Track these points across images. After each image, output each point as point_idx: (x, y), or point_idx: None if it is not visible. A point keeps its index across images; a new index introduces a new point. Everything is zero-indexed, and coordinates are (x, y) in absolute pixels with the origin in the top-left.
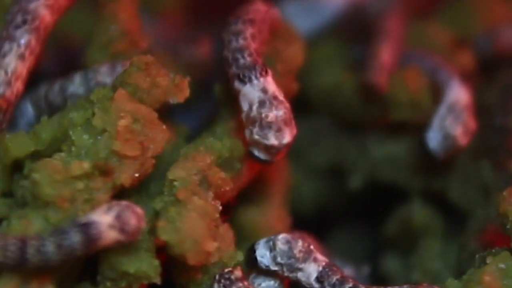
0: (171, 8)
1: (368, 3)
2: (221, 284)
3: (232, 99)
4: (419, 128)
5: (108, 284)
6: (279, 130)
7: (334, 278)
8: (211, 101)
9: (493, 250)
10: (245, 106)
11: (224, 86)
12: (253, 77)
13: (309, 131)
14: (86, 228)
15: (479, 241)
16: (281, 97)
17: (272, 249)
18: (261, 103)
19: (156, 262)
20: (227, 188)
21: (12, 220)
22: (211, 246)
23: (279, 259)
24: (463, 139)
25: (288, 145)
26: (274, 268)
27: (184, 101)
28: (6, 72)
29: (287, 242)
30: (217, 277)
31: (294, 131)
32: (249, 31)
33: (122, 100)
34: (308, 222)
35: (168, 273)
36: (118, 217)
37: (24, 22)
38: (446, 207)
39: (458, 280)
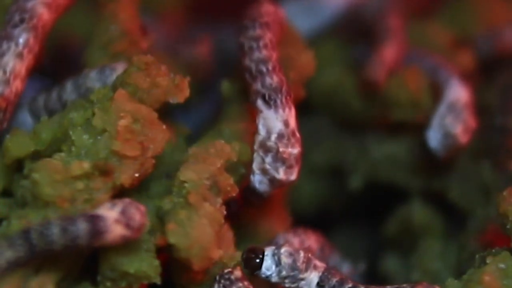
0: (171, 8)
1: (368, 3)
2: (221, 284)
3: (241, 99)
4: (419, 128)
5: (108, 284)
6: (290, 167)
7: (334, 280)
8: (211, 101)
9: (493, 250)
10: (262, 131)
11: (232, 83)
12: (278, 102)
13: (309, 131)
14: (94, 219)
15: (479, 241)
16: (297, 133)
17: (277, 263)
18: (280, 136)
19: (156, 262)
20: (234, 194)
21: (12, 220)
22: (217, 253)
23: (284, 273)
24: (463, 137)
25: (291, 183)
26: (275, 280)
27: (184, 101)
28: (4, 72)
29: (291, 254)
30: (217, 277)
31: (299, 169)
32: (267, 36)
33: (122, 100)
34: (308, 222)
35: (168, 273)
36: (123, 212)
37: (22, 20)
38: (446, 207)
39: (458, 280)
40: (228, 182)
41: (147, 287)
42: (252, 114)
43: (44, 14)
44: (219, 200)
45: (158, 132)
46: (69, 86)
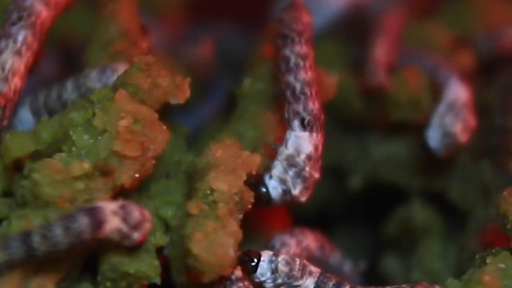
0: (171, 8)
1: (369, 4)
2: (221, 284)
3: (261, 103)
4: (419, 128)
5: (108, 284)
6: (306, 188)
7: (330, 284)
8: (211, 101)
9: (493, 250)
10: (291, 147)
11: (253, 83)
12: (314, 128)
13: None
14: (92, 211)
15: (479, 241)
16: (320, 160)
17: (274, 271)
18: (309, 158)
19: (156, 262)
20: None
21: (12, 220)
22: (229, 272)
23: (279, 281)
24: (463, 136)
25: (299, 203)
26: (270, 287)
27: (184, 102)
28: (3, 69)
29: (288, 263)
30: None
31: (310, 195)
32: (312, 55)
33: (122, 100)
34: (308, 222)
35: (168, 273)
36: (123, 207)
37: (20, 18)
38: (446, 207)
39: (458, 280)
40: (251, 200)
41: (147, 287)
42: (270, 122)
43: (42, 11)
44: (240, 217)
45: (159, 133)
46: (69, 85)
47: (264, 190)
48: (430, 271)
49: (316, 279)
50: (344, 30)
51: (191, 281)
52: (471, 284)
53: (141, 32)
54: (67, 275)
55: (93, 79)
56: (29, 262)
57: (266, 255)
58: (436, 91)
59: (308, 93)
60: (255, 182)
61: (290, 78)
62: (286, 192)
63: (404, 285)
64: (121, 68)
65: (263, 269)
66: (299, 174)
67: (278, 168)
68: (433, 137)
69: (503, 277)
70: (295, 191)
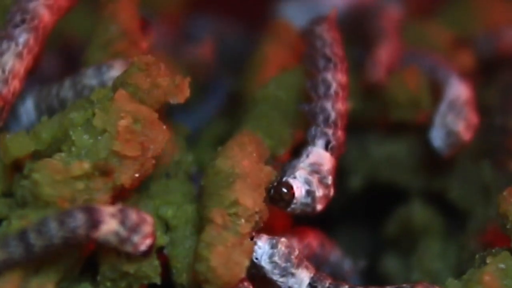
0: (171, 8)
1: (368, 5)
2: None
3: (281, 112)
4: (419, 128)
5: (108, 284)
6: (326, 196)
7: (327, 283)
8: (212, 101)
9: (493, 250)
10: (313, 158)
11: (277, 89)
12: (335, 154)
13: None
14: (89, 209)
15: (479, 241)
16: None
17: (273, 246)
18: (328, 172)
19: (156, 263)
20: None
21: (12, 220)
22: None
23: (276, 258)
24: (466, 134)
25: (313, 212)
26: (264, 265)
27: (184, 102)
28: (3, 71)
29: (288, 246)
30: None
31: (324, 206)
32: (348, 86)
33: (122, 100)
34: (308, 222)
35: (168, 273)
36: (121, 210)
37: (23, 21)
38: (446, 207)
39: (458, 280)
40: (265, 220)
41: (147, 287)
42: (285, 134)
43: (45, 15)
44: (253, 234)
45: (159, 133)
46: (67, 83)
47: (286, 190)
48: (430, 271)
49: (312, 275)
50: (344, 30)
51: (190, 281)
52: (471, 284)
53: (142, 26)
54: (67, 275)
55: (89, 76)
56: (29, 261)
57: (267, 236)
58: (436, 91)
59: (339, 123)
60: (277, 182)
61: (328, 105)
62: (309, 193)
63: (404, 285)
64: (117, 64)
65: (262, 243)
66: (321, 181)
67: (302, 171)
68: (437, 137)
69: (503, 277)
70: (319, 193)
